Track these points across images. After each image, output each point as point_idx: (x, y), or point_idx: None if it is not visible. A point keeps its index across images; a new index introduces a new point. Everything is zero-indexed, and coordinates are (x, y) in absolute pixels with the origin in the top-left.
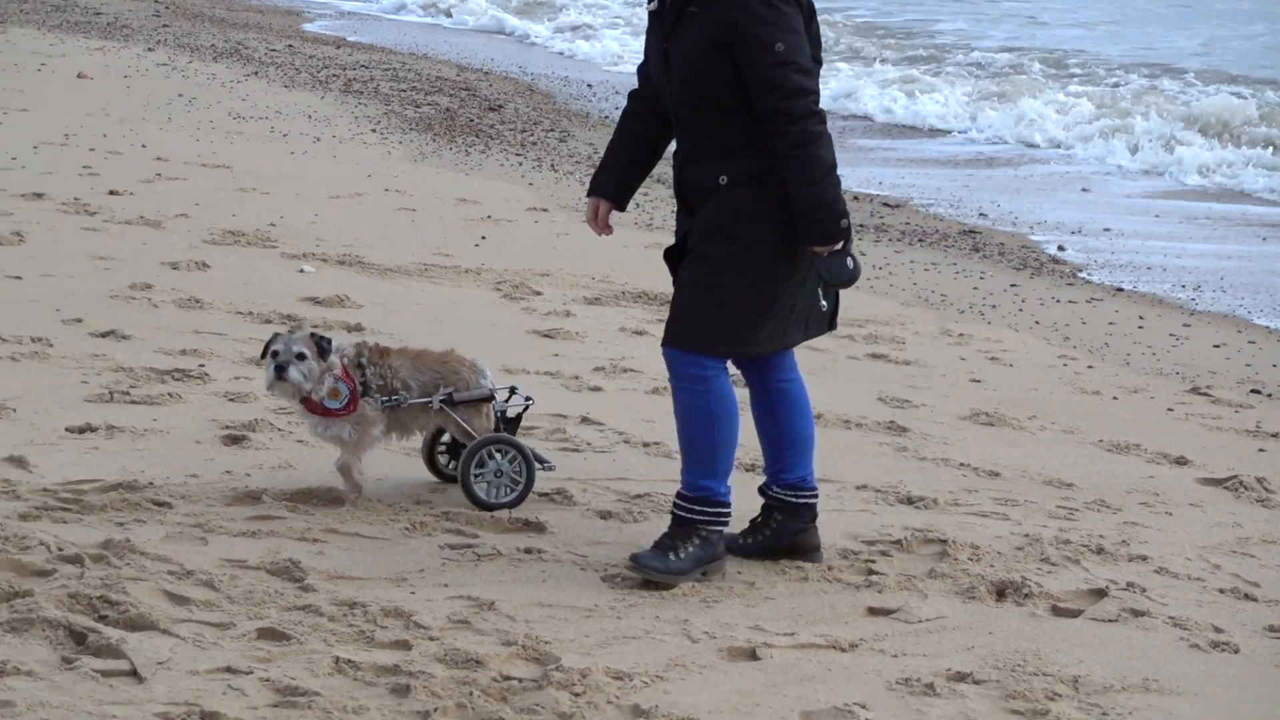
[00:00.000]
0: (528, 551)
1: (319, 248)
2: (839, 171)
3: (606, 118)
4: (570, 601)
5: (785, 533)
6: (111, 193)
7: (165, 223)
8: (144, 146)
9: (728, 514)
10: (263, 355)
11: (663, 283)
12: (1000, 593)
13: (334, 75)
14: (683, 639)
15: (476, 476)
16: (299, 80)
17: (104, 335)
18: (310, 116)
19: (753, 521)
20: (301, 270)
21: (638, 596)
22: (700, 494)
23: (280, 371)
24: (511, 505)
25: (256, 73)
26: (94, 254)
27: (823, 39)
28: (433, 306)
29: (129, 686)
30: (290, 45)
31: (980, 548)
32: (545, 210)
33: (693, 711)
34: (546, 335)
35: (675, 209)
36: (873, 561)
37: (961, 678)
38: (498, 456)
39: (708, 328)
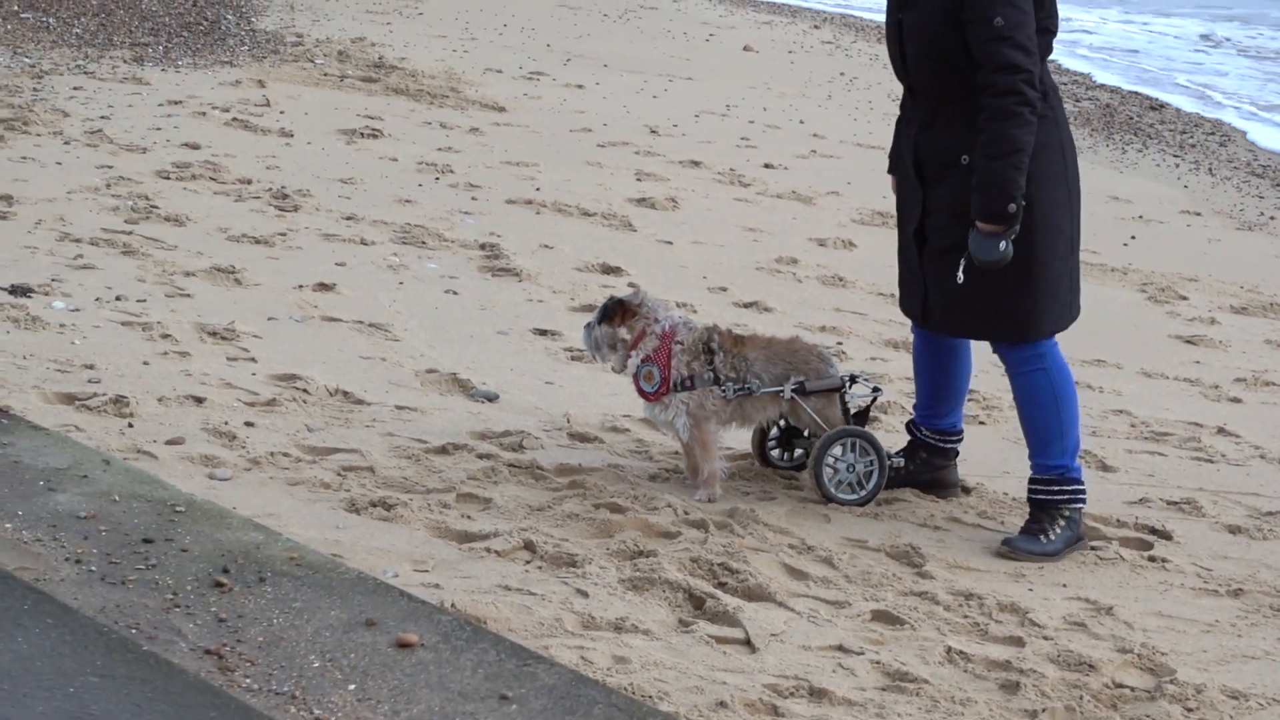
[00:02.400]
0: (1151, 559)
1: None
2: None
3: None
4: (1190, 614)
5: (929, 468)
6: (766, 165)
7: (816, 199)
8: (801, 122)
9: (1084, 491)
10: None
11: None
12: None
13: None
14: None
15: (829, 468)
16: None
17: (747, 305)
18: None
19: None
20: None
21: (1261, 616)
22: (1054, 474)
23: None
24: (861, 503)
25: None
26: (744, 224)
27: None
28: None
29: (741, 655)
30: None
31: None
32: (1198, 214)
33: None
34: (1189, 341)
35: (896, 182)
36: None
37: None
38: (851, 451)
39: (1000, 318)
